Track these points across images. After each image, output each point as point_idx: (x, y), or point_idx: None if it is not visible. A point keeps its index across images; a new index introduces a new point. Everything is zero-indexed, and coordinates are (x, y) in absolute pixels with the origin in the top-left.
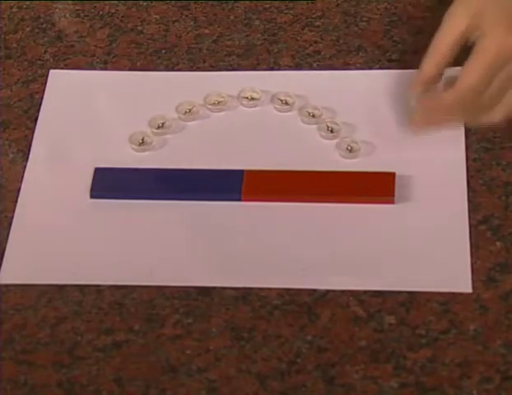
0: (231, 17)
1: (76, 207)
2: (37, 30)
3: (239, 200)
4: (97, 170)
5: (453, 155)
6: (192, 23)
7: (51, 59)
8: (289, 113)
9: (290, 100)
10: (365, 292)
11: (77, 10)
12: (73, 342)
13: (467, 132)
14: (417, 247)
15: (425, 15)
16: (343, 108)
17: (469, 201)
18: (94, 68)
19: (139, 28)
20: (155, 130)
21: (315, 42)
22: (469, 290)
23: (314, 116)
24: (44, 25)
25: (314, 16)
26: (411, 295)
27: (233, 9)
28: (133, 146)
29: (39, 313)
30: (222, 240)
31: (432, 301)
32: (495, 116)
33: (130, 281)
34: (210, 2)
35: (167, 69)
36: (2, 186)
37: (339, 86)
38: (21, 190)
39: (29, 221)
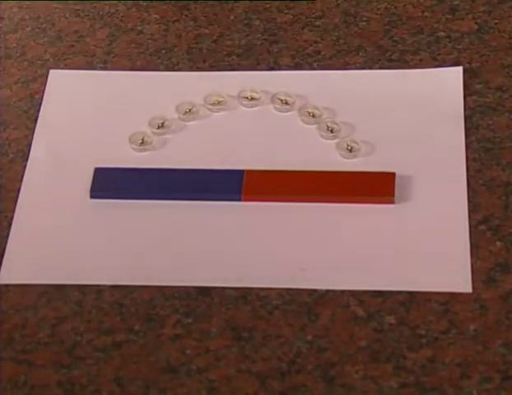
0: (231, 17)
1: (76, 207)
2: (37, 30)
3: (239, 200)
4: (97, 170)
5: (453, 154)
6: (192, 23)
7: (51, 59)
8: (289, 113)
9: (290, 100)
10: (365, 292)
11: (77, 10)
12: (73, 342)
13: (467, 132)
14: (417, 247)
15: (425, 15)
16: (343, 108)
17: (469, 201)
18: (94, 68)
19: (139, 28)
20: (155, 130)
21: (315, 42)
22: (469, 290)
23: (314, 116)
24: (44, 25)
25: (314, 16)
26: (411, 295)
27: (233, 9)
28: (133, 146)
29: (39, 313)
30: (222, 240)
31: (432, 301)
32: None
33: (130, 281)
34: (210, 2)
35: (167, 69)
36: (2, 186)
37: (339, 86)
38: (21, 190)
39: (29, 221)
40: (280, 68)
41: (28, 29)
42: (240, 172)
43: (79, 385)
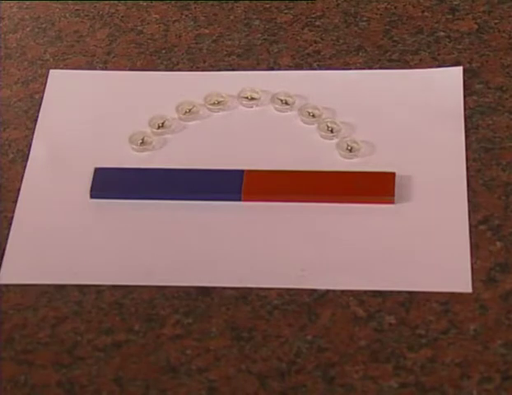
0: (231, 17)
1: (76, 207)
2: (37, 30)
3: (239, 200)
4: (97, 170)
5: (453, 155)
6: (192, 23)
7: (51, 59)
8: (289, 113)
9: (290, 100)
10: (365, 292)
11: (77, 10)
12: (73, 342)
13: (467, 132)
14: (417, 247)
15: (425, 15)
16: (343, 108)
17: (469, 201)
18: (94, 68)
19: (139, 28)
20: (155, 130)
21: (315, 42)
22: (469, 290)
23: (314, 116)
24: (44, 25)
25: (314, 16)
26: (411, 295)
27: (233, 9)
28: (133, 146)
29: (39, 313)
30: (222, 240)
31: (432, 301)
32: None
33: (130, 281)
34: (210, 2)
35: (167, 69)
36: (2, 186)
37: (339, 86)
38: (21, 190)
39: (29, 221)
40: (280, 68)
41: (28, 29)
42: (240, 172)
43: (79, 385)
